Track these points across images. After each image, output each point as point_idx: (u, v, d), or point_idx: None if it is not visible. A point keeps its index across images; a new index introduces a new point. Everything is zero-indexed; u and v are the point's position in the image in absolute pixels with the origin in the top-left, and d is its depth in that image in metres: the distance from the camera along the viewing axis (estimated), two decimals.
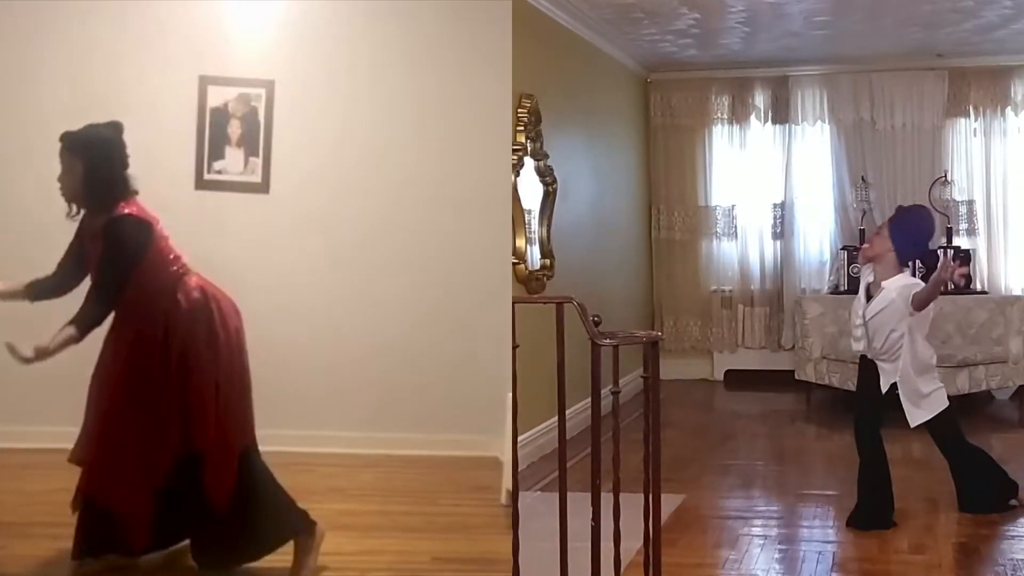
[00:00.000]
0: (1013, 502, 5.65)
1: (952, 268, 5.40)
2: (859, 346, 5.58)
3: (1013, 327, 8.54)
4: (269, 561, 4.28)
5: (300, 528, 4.32)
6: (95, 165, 4.05)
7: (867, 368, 5.59)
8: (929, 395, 5.51)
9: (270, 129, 6.50)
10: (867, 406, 5.61)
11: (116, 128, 4.16)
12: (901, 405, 5.49)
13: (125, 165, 4.13)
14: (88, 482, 4.16)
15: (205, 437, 4.09)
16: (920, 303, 5.29)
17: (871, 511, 5.46)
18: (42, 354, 3.89)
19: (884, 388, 5.49)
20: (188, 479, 4.10)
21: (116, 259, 4.03)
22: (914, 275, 9.46)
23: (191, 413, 4.09)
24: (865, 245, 5.66)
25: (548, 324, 3.82)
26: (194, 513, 4.16)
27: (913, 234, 5.48)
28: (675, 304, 10.78)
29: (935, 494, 5.85)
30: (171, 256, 4.17)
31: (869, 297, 5.49)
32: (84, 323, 3.99)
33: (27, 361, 3.85)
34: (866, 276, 5.58)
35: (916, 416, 5.51)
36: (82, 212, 4.15)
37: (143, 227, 4.07)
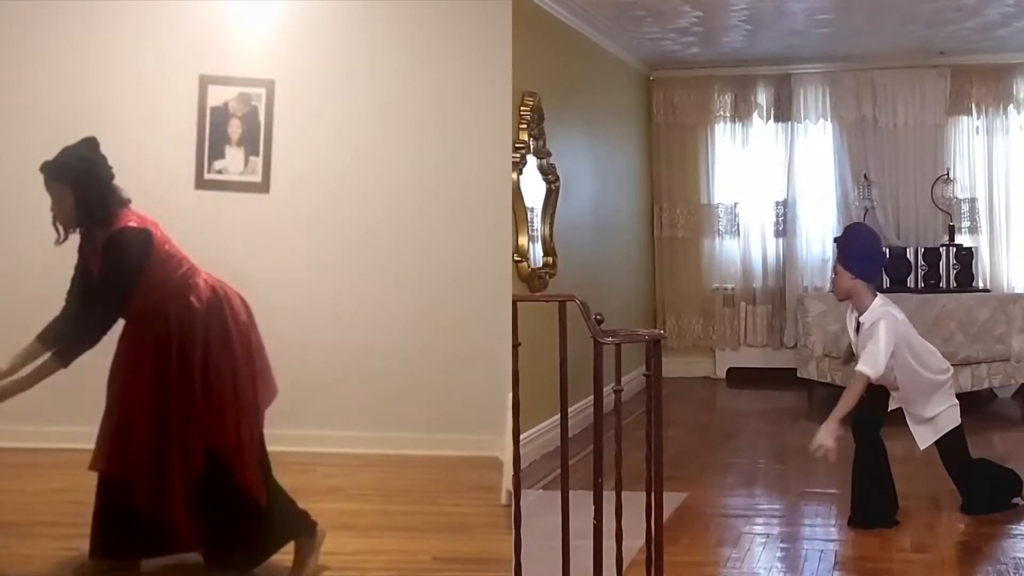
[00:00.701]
0: (1016, 500, 5.63)
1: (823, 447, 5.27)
2: None
3: (1015, 325, 8.54)
4: (270, 561, 4.27)
5: (301, 529, 4.32)
6: (84, 188, 4.00)
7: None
8: (936, 416, 5.45)
9: (270, 129, 6.49)
10: (870, 403, 5.56)
11: (93, 145, 4.08)
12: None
13: (111, 177, 4.08)
14: (129, 491, 4.10)
15: (229, 434, 4.09)
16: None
17: (870, 509, 5.44)
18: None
19: (891, 406, 5.49)
20: (218, 479, 4.10)
21: (119, 273, 4.00)
22: (916, 275, 9.58)
23: (214, 411, 4.08)
24: (832, 289, 5.63)
25: (549, 322, 3.81)
26: (228, 513, 4.15)
27: (860, 253, 5.42)
28: (677, 302, 10.77)
29: (937, 492, 5.83)
30: (176, 259, 4.15)
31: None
32: (72, 350, 3.97)
33: None
34: (851, 314, 5.54)
35: (923, 438, 5.48)
36: (74, 235, 4.11)
37: (144, 236, 4.04)
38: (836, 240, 5.62)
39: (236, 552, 4.20)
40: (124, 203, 4.08)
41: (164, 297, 4.09)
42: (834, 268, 5.52)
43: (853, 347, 5.57)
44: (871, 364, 5.20)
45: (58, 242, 4.07)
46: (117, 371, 4.18)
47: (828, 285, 10.07)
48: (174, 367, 4.07)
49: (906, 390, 5.39)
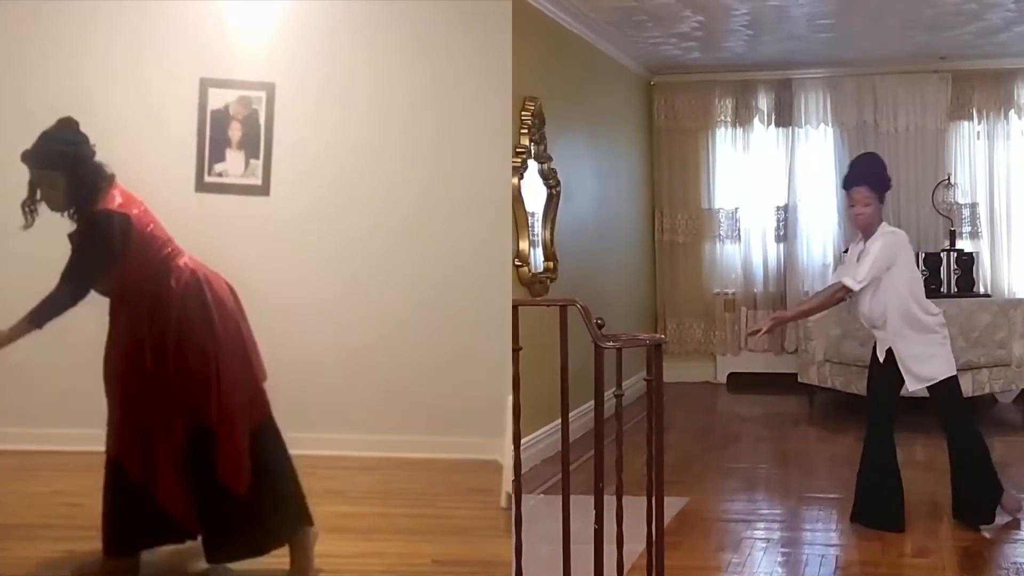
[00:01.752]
0: (998, 512, 5.51)
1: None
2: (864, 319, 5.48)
3: (1016, 330, 8.52)
4: (265, 562, 4.26)
5: (307, 523, 4.29)
6: (75, 172, 4.02)
7: (876, 362, 5.51)
8: (931, 359, 5.34)
9: (271, 131, 6.49)
10: (882, 401, 5.52)
11: (74, 126, 4.10)
12: (913, 408, 5.39)
13: (94, 154, 4.09)
14: (129, 473, 4.10)
15: (210, 414, 4.07)
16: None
17: (877, 509, 5.41)
18: None
19: (881, 357, 5.40)
20: (202, 460, 4.08)
21: (90, 254, 4.02)
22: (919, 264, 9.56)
23: (194, 392, 4.06)
24: (858, 213, 5.47)
25: (550, 326, 3.80)
26: (210, 496, 4.12)
27: (884, 179, 5.46)
28: (678, 306, 10.76)
29: (939, 497, 5.82)
30: (160, 240, 4.15)
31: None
32: (42, 315, 3.97)
33: None
34: (856, 246, 5.48)
35: (913, 379, 5.32)
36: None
37: (121, 220, 4.03)
38: (858, 171, 5.48)
39: (231, 538, 4.16)
40: (110, 179, 4.09)
41: (144, 278, 4.10)
42: (859, 199, 5.36)
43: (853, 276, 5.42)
44: (852, 275, 5.28)
45: (26, 227, 4.08)
46: (107, 351, 4.18)
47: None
48: (151, 351, 4.05)
49: (894, 319, 5.31)
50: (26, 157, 4.03)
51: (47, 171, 4.02)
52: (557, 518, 3.82)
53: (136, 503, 4.08)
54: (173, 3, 6.35)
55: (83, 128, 4.11)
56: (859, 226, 5.46)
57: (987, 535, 5.35)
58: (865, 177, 5.45)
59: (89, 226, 4.02)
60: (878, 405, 5.54)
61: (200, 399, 4.07)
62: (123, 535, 4.15)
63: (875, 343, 5.52)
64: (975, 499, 5.46)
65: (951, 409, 5.47)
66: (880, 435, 5.49)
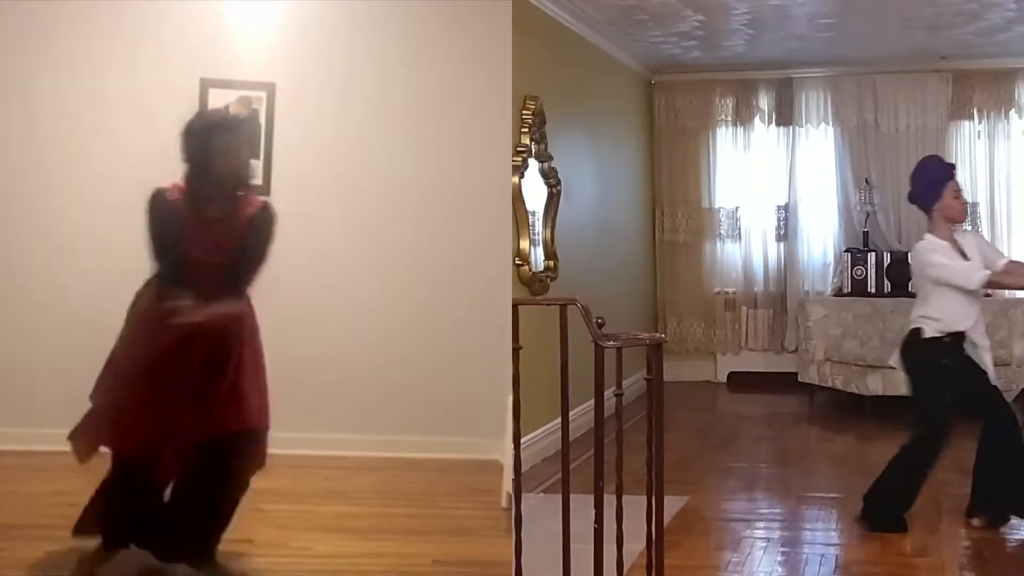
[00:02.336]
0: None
1: None
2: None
3: (1016, 329, 8.52)
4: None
5: None
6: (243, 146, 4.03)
7: (968, 362, 5.41)
8: None
9: (271, 131, 6.48)
10: (945, 409, 5.38)
11: None
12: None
13: None
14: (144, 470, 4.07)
15: (264, 417, 4.13)
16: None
17: (887, 512, 5.40)
18: None
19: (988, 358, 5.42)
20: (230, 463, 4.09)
21: (263, 249, 4.09)
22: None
23: (237, 393, 4.07)
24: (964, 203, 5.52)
25: (550, 325, 3.80)
26: (221, 495, 4.12)
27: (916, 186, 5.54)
28: (678, 306, 10.76)
29: (939, 496, 5.82)
30: None
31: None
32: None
33: None
34: (944, 242, 5.40)
35: (992, 374, 5.40)
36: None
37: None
38: (949, 164, 5.62)
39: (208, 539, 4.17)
40: None
41: None
42: (957, 192, 5.45)
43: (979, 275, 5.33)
44: (997, 257, 5.46)
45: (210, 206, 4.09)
46: (150, 343, 4.08)
47: (829, 289, 10.09)
48: (219, 352, 4.07)
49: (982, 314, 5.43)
50: (193, 127, 4.09)
51: (227, 136, 4.05)
52: (557, 517, 3.82)
53: (135, 500, 4.07)
54: (173, 3, 6.34)
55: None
56: (964, 217, 5.58)
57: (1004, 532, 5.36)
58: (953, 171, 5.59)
59: (265, 222, 4.14)
60: (947, 419, 5.39)
61: (239, 401, 4.07)
62: (104, 525, 4.16)
63: (954, 341, 5.39)
64: (997, 498, 5.42)
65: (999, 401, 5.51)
66: (944, 439, 5.37)
